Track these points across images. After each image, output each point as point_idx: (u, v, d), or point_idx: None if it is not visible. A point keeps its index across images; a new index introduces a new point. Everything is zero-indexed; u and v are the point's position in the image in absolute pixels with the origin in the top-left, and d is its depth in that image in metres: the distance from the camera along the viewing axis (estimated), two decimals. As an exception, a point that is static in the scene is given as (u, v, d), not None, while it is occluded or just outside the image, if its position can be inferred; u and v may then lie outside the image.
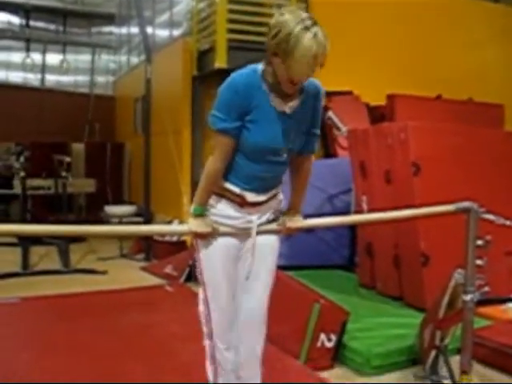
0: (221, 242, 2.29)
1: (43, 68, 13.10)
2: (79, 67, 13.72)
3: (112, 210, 8.18)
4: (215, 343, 2.37)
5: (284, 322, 4.05)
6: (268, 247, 2.41)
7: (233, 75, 2.17)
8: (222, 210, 2.29)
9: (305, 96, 2.20)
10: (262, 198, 2.30)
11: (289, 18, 2.00)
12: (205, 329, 2.41)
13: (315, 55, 1.99)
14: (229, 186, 2.26)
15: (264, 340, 2.46)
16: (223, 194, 2.28)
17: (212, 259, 2.31)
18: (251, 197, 2.27)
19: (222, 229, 2.26)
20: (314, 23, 2.00)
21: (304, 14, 2.02)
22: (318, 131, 2.33)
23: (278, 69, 2.07)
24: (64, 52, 13.10)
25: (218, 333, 2.37)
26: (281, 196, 2.43)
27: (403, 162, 4.87)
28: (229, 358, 2.38)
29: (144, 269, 6.95)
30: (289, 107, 2.16)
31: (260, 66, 2.17)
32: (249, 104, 2.11)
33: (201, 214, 2.23)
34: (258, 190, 2.27)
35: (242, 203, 2.28)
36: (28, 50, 12.62)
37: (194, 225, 2.21)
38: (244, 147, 2.18)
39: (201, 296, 2.41)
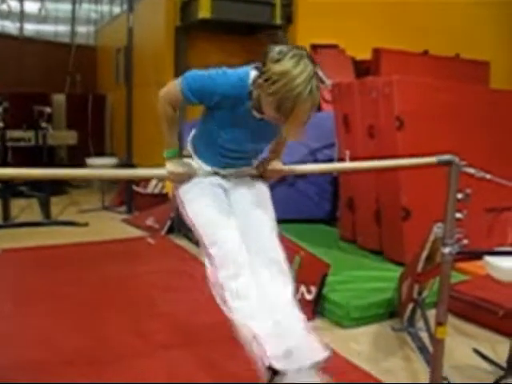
0: (201, 179, 2.26)
1: (21, 16, 12.71)
2: (59, 16, 13.33)
3: (94, 162, 8.09)
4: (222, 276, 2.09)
5: (264, 275, 4.08)
6: (254, 188, 2.35)
7: (223, 75, 2.03)
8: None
9: None
10: (233, 171, 2.30)
11: (295, 74, 1.82)
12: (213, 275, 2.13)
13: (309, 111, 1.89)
14: (200, 163, 2.29)
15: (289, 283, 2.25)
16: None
17: (196, 197, 2.23)
18: (224, 172, 2.28)
19: (200, 171, 2.26)
20: (313, 75, 1.86)
21: (309, 68, 1.85)
22: None
23: (265, 105, 1.94)
24: (43, -1, 12.71)
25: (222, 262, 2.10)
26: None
27: (387, 116, 4.84)
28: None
29: (125, 221, 6.95)
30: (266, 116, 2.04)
31: (252, 76, 2.01)
32: (225, 105, 2.05)
33: (174, 155, 2.22)
34: (232, 166, 2.28)
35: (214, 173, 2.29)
36: (4, -5, 12.22)
37: (171, 166, 2.19)
38: (217, 135, 2.15)
39: (203, 251, 2.20)
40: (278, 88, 1.83)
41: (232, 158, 2.24)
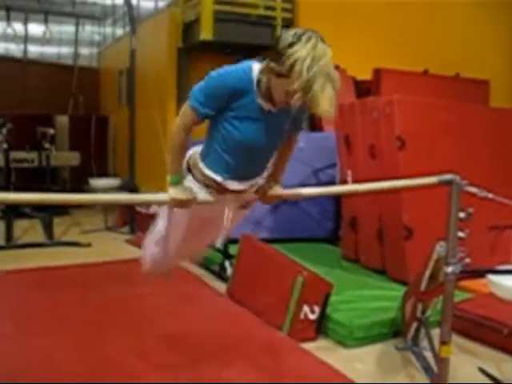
0: (195, 208, 2.28)
1: (25, 38, 12.84)
2: (63, 38, 13.46)
3: (96, 182, 8.14)
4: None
5: (268, 294, 4.08)
6: (240, 213, 2.48)
7: (226, 71, 2.06)
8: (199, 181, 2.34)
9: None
10: (243, 186, 2.29)
11: (317, 54, 1.86)
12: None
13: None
14: (211, 174, 2.26)
15: None
16: (203, 180, 2.30)
17: (180, 224, 2.44)
18: (233, 185, 2.27)
19: (200, 196, 2.26)
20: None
21: (327, 49, 1.92)
22: (305, 123, 2.31)
23: (276, 89, 1.97)
24: (46, 22, 12.82)
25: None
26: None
27: (388, 136, 4.87)
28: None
29: (128, 241, 6.95)
30: (275, 107, 2.08)
31: (255, 69, 2.04)
32: (233, 103, 2.05)
33: (178, 182, 2.22)
34: (240, 178, 2.27)
35: (222, 191, 2.28)
36: (9, 19, 12.33)
37: (173, 192, 2.20)
38: (227, 140, 2.15)
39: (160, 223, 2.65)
40: (301, 70, 1.82)
41: (241, 167, 2.23)
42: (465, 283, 4.34)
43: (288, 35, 1.88)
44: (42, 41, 12.93)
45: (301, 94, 1.86)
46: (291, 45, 1.86)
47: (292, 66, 1.84)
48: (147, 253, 2.80)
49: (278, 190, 2.35)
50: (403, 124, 4.81)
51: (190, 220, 2.42)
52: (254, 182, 2.32)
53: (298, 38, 1.86)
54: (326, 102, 1.86)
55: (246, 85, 2.03)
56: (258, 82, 2.02)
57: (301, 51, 1.84)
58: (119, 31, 11.62)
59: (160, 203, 2.33)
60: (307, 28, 1.94)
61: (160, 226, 2.64)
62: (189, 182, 2.33)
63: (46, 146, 7.29)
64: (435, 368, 3.05)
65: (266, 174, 2.35)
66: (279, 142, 2.25)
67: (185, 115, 2.14)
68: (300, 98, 1.87)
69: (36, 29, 12.92)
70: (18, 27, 12.58)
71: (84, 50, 13.62)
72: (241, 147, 2.15)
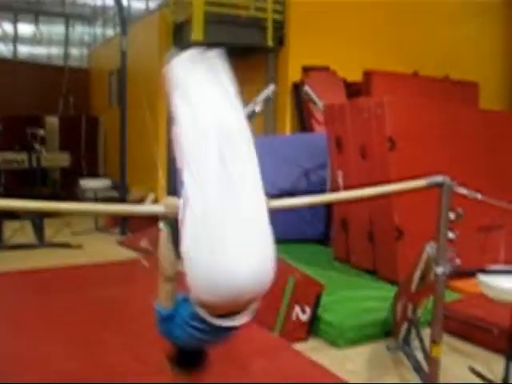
0: None
1: (15, 39, 12.79)
2: (53, 39, 13.42)
3: (87, 183, 8.11)
4: None
5: (259, 295, 4.08)
6: None
7: None
8: None
9: None
10: None
11: None
12: None
13: None
14: None
15: None
16: None
17: None
18: None
19: None
20: None
21: None
22: None
23: None
24: (36, 22, 12.79)
25: None
26: None
27: (379, 137, 4.89)
28: None
29: (120, 243, 6.93)
30: None
31: None
32: None
33: None
34: None
35: None
36: (-2, 18, 12.30)
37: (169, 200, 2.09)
38: None
39: None
40: None
41: None
42: (455, 283, 4.36)
43: None
44: (32, 41, 12.90)
45: None
46: None
47: None
48: None
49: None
50: (394, 125, 4.84)
51: None
52: None
53: None
54: None
55: None
56: None
57: None
58: (110, 32, 11.60)
59: (155, 213, 2.15)
60: None
61: None
62: None
63: (36, 147, 7.27)
64: (426, 368, 3.07)
65: None
66: None
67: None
68: None
69: (26, 29, 12.88)
70: (7, 27, 12.53)
71: (74, 51, 13.60)
72: None
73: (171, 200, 2.08)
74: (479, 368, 3.42)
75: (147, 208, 2.33)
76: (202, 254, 1.82)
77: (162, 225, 2.08)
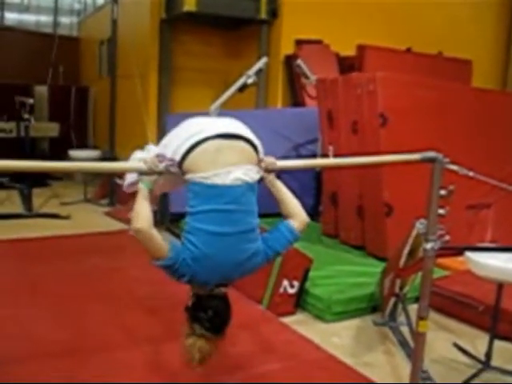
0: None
1: (2, 5, 12.53)
2: (41, 6, 13.16)
3: (76, 154, 8.03)
4: None
5: (248, 269, 4.08)
6: None
7: None
8: None
9: None
10: None
11: None
12: None
13: None
14: None
15: None
16: None
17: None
18: None
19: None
20: None
21: None
22: None
23: None
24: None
25: None
26: None
27: (371, 112, 4.87)
28: None
29: (108, 214, 6.91)
30: None
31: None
32: None
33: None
34: None
35: None
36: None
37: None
38: None
39: None
40: None
41: None
42: (442, 261, 4.39)
43: None
44: (20, 8, 12.64)
45: None
46: None
47: None
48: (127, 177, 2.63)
49: (269, 159, 2.28)
50: (386, 101, 4.81)
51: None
52: None
53: None
54: None
55: None
56: None
57: None
58: (100, 0, 11.39)
59: (137, 170, 2.20)
60: None
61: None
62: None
63: (25, 116, 7.15)
64: (411, 343, 3.10)
65: None
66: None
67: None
68: None
69: (13, -6, 12.63)
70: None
71: (64, 19, 13.35)
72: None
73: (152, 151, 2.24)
74: (463, 344, 3.47)
75: (129, 164, 2.37)
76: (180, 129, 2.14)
77: (140, 184, 2.16)
